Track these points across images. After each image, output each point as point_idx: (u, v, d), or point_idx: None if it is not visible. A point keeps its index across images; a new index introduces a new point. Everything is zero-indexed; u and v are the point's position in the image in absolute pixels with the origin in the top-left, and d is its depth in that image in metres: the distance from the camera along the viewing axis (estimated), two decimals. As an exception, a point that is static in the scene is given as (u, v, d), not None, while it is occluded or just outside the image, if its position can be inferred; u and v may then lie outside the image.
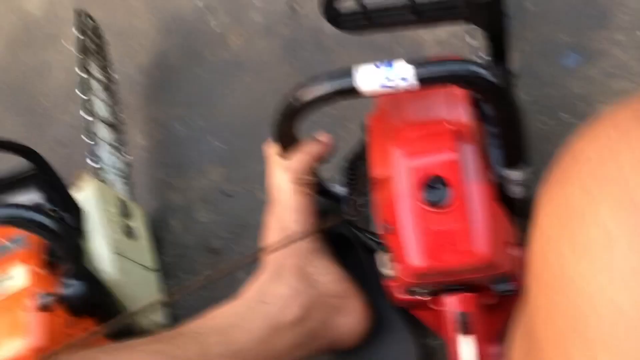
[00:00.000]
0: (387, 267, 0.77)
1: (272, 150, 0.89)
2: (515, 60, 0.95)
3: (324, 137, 0.87)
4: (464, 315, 0.68)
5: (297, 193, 0.83)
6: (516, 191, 0.72)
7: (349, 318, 0.78)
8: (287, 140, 0.84)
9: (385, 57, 0.69)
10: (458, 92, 0.74)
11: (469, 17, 0.78)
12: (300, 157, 0.83)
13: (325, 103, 0.70)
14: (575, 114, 0.97)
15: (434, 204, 0.65)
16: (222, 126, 1.21)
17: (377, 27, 0.83)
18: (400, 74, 0.64)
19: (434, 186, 0.66)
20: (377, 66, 0.65)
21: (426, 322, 0.85)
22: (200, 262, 1.09)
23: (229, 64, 1.27)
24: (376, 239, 0.80)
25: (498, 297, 0.72)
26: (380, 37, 1.17)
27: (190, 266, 1.09)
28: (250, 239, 1.07)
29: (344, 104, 1.15)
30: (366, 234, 0.81)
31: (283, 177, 0.84)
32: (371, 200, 0.79)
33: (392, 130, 0.73)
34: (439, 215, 0.66)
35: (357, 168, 0.86)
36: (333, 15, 0.83)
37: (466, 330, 0.68)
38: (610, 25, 1.03)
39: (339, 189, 0.91)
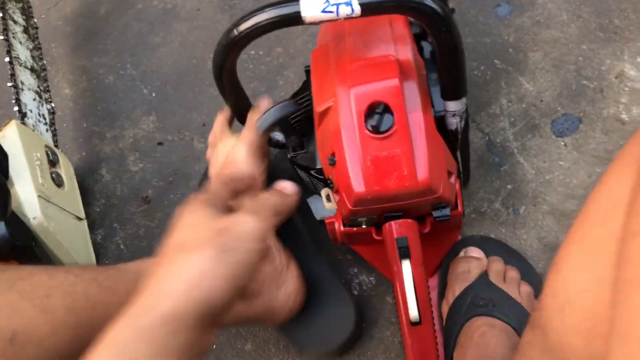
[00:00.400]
0: (330, 202, 0.78)
1: (221, 119, 0.86)
2: (450, 6, 0.98)
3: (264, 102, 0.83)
4: (403, 239, 0.70)
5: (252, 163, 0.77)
6: (453, 122, 0.75)
7: (287, 289, 0.76)
8: (238, 101, 0.81)
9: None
10: (400, 30, 0.75)
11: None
12: (252, 133, 0.78)
13: (266, 31, 0.69)
14: (508, 61, 1.01)
15: (377, 130, 0.66)
16: (154, 75, 1.17)
17: None
18: (344, 0, 0.64)
19: (377, 112, 0.67)
20: (325, -7, 0.65)
21: (367, 257, 0.87)
22: (131, 211, 1.05)
23: (161, 12, 1.23)
24: (320, 175, 0.81)
25: (434, 225, 0.74)
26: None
27: (121, 215, 1.05)
28: (184, 187, 1.05)
29: (282, 52, 1.15)
30: (310, 172, 0.82)
31: (240, 149, 0.78)
32: (315, 136, 0.79)
33: (335, 64, 0.74)
34: (381, 141, 0.67)
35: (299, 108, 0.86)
36: None
37: (406, 254, 0.70)
38: (538, -21, 1.09)
39: (280, 137, 0.91)
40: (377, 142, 0.67)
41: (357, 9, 0.64)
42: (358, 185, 0.68)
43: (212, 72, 0.78)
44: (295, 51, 1.13)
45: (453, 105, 0.73)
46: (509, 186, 0.93)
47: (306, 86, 0.83)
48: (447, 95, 0.72)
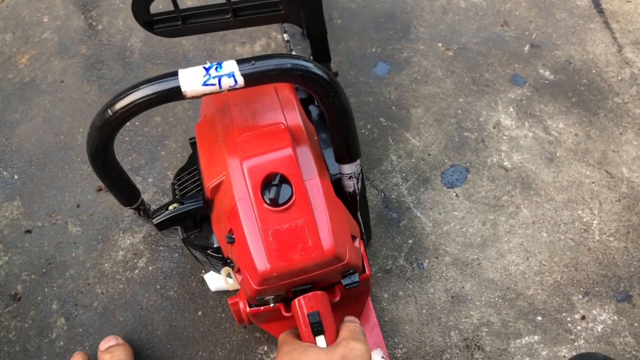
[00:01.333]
0: (232, 281, 0.72)
1: None
2: (333, 69, 0.98)
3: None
4: (315, 314, 0.65)
5: None
6: (350, 184, 0.73)
7: None
8: (120, 186, 0.73)
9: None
10: (286, 96, 0.73)
11: (287, 15, 0.78)
12: None
13: (145, 108, 0.62)
14: (392, 118, 1.03)
15: (275, 202, 0.62)
16: (14, 155, 1.05)
17: (193, 30, 0.79)
18: (225, 71, 0.60)
19: (273, 184, 0.62)
20: (205, 68, 0.61)
21: (276, 333, 0.81)
22: (0, 312, 0.91)
23: (18, 86, 1.12)
24: (218, 254, 0.74)
25: (344, 292, 0.71)
26: (194, 51, 1.13)
27: (-14, 320, 0.91)
28: (60, 277, 0.93)
29: (161, 121, 1.08)
30: (207, 252, 0.75)
31: None
32: (209, 213, 0.73)
33: (224, 136, 0.69)
34: (281, 214, 0.62)
35: (186, 182, 0.80)
36: (146, 19, 0.77)
37: (320, 329, 0.65)
38: (411, 37, 1.13)
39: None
40: (277, 215, 0.63)
41: (241, 80, 0.60)
42: (261, 263, 0.62)
43: (85, 150, 0.70)
44: (175, 119, 1.07)
45: (348, 168, 0.71)
46: (410, 241, 0.92)
47: (193, 160, 0.77)
48: (342, 159, 0.70)
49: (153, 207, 0.82)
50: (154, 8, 0.76)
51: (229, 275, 0.72)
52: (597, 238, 0.91)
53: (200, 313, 0.89)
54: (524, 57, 1.09)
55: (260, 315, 0.72)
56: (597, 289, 0.87)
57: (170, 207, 0.72)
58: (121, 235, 0.96)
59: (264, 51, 1.12)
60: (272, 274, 0.62)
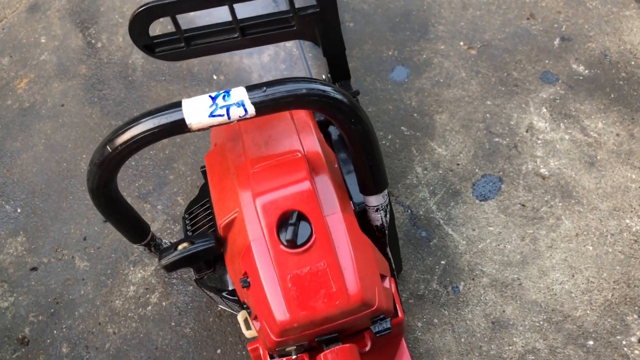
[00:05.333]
0: (250, 329, 0.65)
1: None
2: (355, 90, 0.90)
3: None
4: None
5: None
6: (377, 218, 0.65)
7: None
8: (126, 222, 0.67)
9: (207, 88, 0.58)
10: (302, 119, 0.66)
11: (300, 32, 0.70)
12: None
13: (147, 143, 0.56)
14: (415, 127, 0.95)
15: (293, 244, 0.55)
16: (16, 187, 0.99)
17: (198, 52, 0.72)
18: (234, 100, 0.53)
19: (290, 223, 0.55)
20: (212, 97, 0.54)
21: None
22: (6, 358, 0.86)
23: (18, 112, 1.06)
24: (233, 297, 0.68)
25: (375, 340, 0.63)
26: (199, 65, 1.06)
27: (-6, 368, 0.85)
28: (70, 318, 0.87)
29: (168, 142, 1.02)
30: (222, 295, 0.69)
31: None
32: (222, 253, 0.66)
33: (235, 168, 0.62)
34: (301, 256, 0.55)
35: (198, 216, 0.73)
36: (145, 42, 0.70)
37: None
38: (430, 37, 1.04)
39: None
40: (296, 257, 0.56)
41: (251, 110, 0.53)
42: (280, 312, 0.55)
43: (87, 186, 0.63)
44: (183, 140, 1.00)
45: (375, 200, 0.63)
46: (442, 262, 0.85)
47: (205, 191, 0.70)
48: (367, 190, 0.62)
49: (165, 240, 0.75)
50: (154, 30, 0.69)
51: (246, 321, 0.65)
52: (649, 249, 0.83)
53: (219, 351, 0.82)
54: (554, 52, 1.01)
55: (280, 367, 0.65)
56: (652, 306, 0.79)
57: (180, 247, 0.65)
58: (131, 268, 0.90)
59: (272, 62, 1.05)
60: (293, 324, 0.55)
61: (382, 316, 0.60)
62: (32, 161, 1.01)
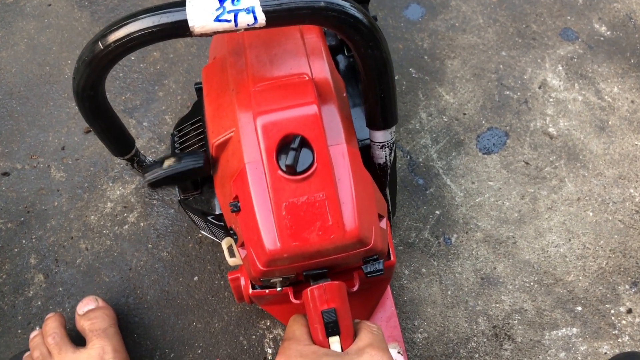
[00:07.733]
0: (234, 257, 0.62)
1: (55, 326, 0.70)
2: (373, 15, 0.84)
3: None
4: (331, 313, 0.55)
5: None
6: (381, 155, 0.61)
7: None
8: (110, 132, 0.61)
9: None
10: (313, 42, 0.60)
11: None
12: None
13: (142, 44, 0.50)
14: (424, 70, 0.90)
15: (292, 170, 0.51)
16: (-6, 86, 0.93)
17: None
18: (243, 5, 0.48)
19: (292, 148, 0.51)
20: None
21: (282, 318, 0.71)
22: (-29, 266, 0.82)
23: (1, 7, 0.98)
24: (219, 222, 0.64)
25: (364, 280, 0.60)
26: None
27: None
28: (40, 229, 0.83)
29: (160, 57, 0.96)
30: (207, 219, 0.64)
31: None
32: (212, 174, 0.62)
33: (235, 84, 0.57)
34: (299, 184, 0.51)
35: (188, 134, 0.68)
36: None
37: (335, 330, 0.55)
38: (448, -23, 0.98)
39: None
40: (294, 185, 0.51)
41: (262, 18, 0.47)
42: (271, 241, 0.52)
43: (72, 86, 0.58)
44: (176, 56, 0.94)
45: (381, 136, 0.59)
46: (437, 212, 0.81)
47: (198, 109, 0.65)
48: (375, 124, 0.58)
49: (149, 158, 0.71)
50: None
51: (230, 249, 0.61)
52: (649, 221, 0.81)
53: (196, 279, 0.79)
54: (578, 8, 0.95)
55: (264, 298, 0.62)
56: (644, 279, 0.77)
57: (166, 164, 0.60)
58: (110, 184, 0.85)
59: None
60: (282, 254, 0.52)
61: (375, 257, 0.57)
62: (12, 61, 0.94)
